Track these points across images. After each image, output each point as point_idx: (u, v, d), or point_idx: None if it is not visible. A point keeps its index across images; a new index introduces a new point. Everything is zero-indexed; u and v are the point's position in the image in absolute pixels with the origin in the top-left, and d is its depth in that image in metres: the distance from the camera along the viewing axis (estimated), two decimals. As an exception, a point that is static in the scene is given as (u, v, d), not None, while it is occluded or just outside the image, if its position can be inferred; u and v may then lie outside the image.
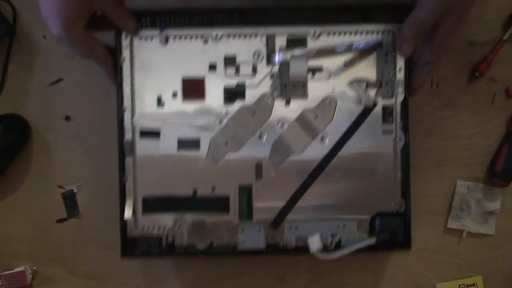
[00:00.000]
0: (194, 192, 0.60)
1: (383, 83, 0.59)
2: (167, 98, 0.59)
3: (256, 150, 0.59)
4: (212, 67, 0.59)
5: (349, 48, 0.57)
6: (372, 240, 0.58)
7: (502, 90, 0.66)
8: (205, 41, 0.59)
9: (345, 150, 0.59)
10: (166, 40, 0.59)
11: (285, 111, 0.59)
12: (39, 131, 0.67)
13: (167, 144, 0.59)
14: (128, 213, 0.59)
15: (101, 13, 0.56)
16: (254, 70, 0.59)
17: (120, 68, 0.59)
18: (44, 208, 0.67)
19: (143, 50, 0.59)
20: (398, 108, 0.59)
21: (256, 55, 0.59)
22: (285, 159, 0.59)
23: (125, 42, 0.59)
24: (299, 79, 0.58)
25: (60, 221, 0.67)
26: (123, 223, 0.59)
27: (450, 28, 0.54)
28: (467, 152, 0.66)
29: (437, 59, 0.57)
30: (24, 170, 0.67)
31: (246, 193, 0.60)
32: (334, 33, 0.59)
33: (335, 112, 0.59)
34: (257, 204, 0.59)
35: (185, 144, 0.59)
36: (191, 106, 0.59)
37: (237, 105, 0.59)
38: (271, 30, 0.59)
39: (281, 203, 0.59)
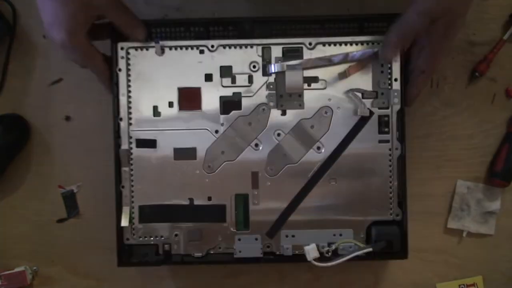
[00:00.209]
0: (191, 201, 0.60)
1: (379, 93, 0.59)
2: (163, 107, 0.59)
3: (252, 159, 0.59)
4: (208, 77, 0.59)
5: (345, 58, 0.58)
6: (368, 249, 0.58)
7: (502, 90, 0.66)
8: (201, 52, 0.59)
9: (342, 160, 0.59)
10: (162, 50, 0.59)
11: (281, 120, 0.59)
12: (39, 131, 0.67)
13: (164, 153, 0.59)
14: (124, 222, 0.59)
15: (99, 22, 0.56)
16: (250, 80, 0.59)
17: (116, 78, 0.59)
18: (44, 208, 0.67)
19: (139, 60, 0.59)
20: (394, 118, 0.59)
21: (252, 66, 0.59)
22: (281, 169, 0.60)
23: (121, 52, 0.59)
24: (295, 89, 0.59)
25: (60, 221, 0.67)
26: (120, 232, 0.59)
27: (442, 37, 0.54)
28: (467, 152, 0.66)
29: (430, 68, 0.58)
30: (24, 170, 0.67)
31: (242, 202, 0.60)
32: (330, 44, 0.59)
33: (331, 122, 0.59)
34: (253, 213, 0.60)
35: (181, 153, 0.59)
36: (187, 116, 0.59)
37: (233, 115, 0.59)
38: (266, 41, 0.59)
39: (277, 212, 0.60)
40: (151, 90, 0.59)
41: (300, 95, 0.59)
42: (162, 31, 0.60)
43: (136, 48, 0.59)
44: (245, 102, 0.59)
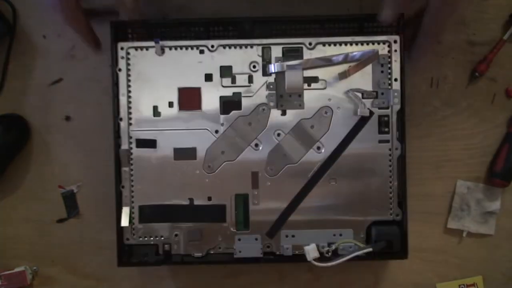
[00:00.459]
0: (191, 201, 0.60)
1: (379, 93, 0.59)
2: (163, 107, 0.59)
3: (252, 159, 0.59)
4: (208, 77, 0.59)
5: (345, 58, 0.58)
6: (368, 249, 0.58)
7: (502, 90, 0.66)
8: (201, 52, 0.59)
9: (342, 160, 0.59)
10: (162, 50, 0.59)
11: (281, 120, 0.59)
12: (39, 131, 0.67)
13: (164, 154, 0.59)
14: (124, 222, 0.59)
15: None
16: (250, 80, 0.59)
17: (116, 78, 0.59)
18: (44, 208, 0.67)
19: (139, 60, 0.59)
20: (394, 118, 0.59)
21: (252, 66, 0.59)
22: (281, 169, 0.60)
23: (121, 52, 0.59)
24: (295, 89, 0.59)
25: (60, 221, 0.67)
26: (120, 232, 0.59)
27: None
28: (467, 152, 0.66)
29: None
30: (24, 170, 0.67)
31: (242, 202, 0.60)
32: (330, 44, 0.59)
33: (331, 122, 0.59)
34: (253, 213, 0.60)
35: (181, 153, 0.59)
36: (187, 116, 0.60)
37: (233, 115, 0.59)
38: (267, 41, 0.59)
39: (277, 212, 0.60)
40: (151, 90, 0.59)
41: (300, 95, 0.59)
42: (162, 31, 0.60)
43: (136, 48, 0.59)
44: (245, 102, 0.59)
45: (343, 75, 0.59)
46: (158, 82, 0.59)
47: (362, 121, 0.59)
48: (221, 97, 0.59)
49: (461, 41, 0.66)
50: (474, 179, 0.66)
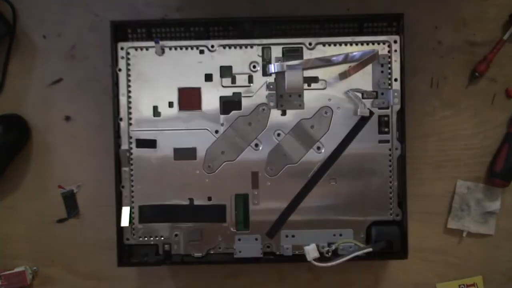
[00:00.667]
0: (191, 201, 0.60)
1: (379, 93, 0.59)
2: (163, 108, 0.60)
3: (252, 159, 0.59)
4: (208, 77, 0.59)
5: (345, 58, 0.58)
6: (368, 249, 0.58)
7: (502, 90, 0.66)
8: (201, 52, 0.59)
9: (342, 160, 0.59)
10: (162, 50, 0.59)
11: (281, 120, 0.60)
12: (39, 131, 0.67)
13: (164, 154, 0.60)
14: (124, 222, 0.59)
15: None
16: (250, 80, 0.59)
17: (116, 78, 0.59)
18: (44, 208, 0.67)
19: (139, 60, 0.59)
20: (394, 118, 0.59)
21: (252, 66, 0.59)
22: (281, 169, 0.60)
23: (121, 52, 0.59)
24: (295, 89, 0.59)
25: (60, 221, 0.67)
26: (120, 232, 0.59)
27: None
28: (467, 152, 0.66)
29: None
30: (24, 170, 0.67)
31: (242, 202, 0.60)
32: (330, 44, 0.59)
33: (331, 122, 0.59)
34: (253, 213, 0.60)
35: (181, 153, 0.60)
36: (187, 116, 0.60)
37: (233, 115, 0.59)
38: (267, 41, 0.59)
39: (277, 212, 0.60)
40: (151, 90, 0.59)
41: (300, 95, 0.59)
42: (162, 31, 0.60)
43: (136, 48, 0.59)
44: (245, 102, 0.59)
45: (343, 75, 0.59)
46: (158, 82, 0.59)
47: (362, 121, 0.59)
48: (221, 97, 0.59)
49: (461, 41, 0.66)
50: (474, 179, 0.66)
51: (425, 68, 0.66)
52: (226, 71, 0.59)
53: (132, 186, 0.59)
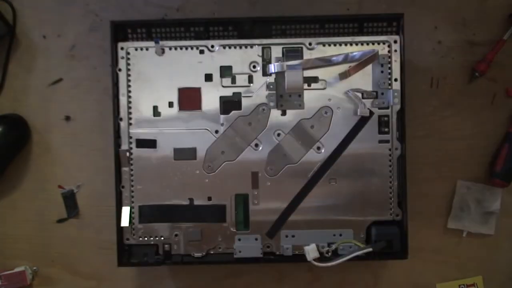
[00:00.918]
0: (191, 201, 0.60)
1: (379, 93, 0.59)
2: (163, 107, 0.60)
3: (252, 159, 0.59)
4: (208, 77, 0.59)
5: (345, 59, 0.58)
6: (368, 249, 0.58)
7: (502, 90, 0.66)
8: (201, 52, 0.59)
9: (342, 160, 0.59)
10: (162, 50, 0.59)
11: (281, 120, 0.60)
12: (39, 131, 0.67)
13: (164, 153, 0.59)
14: (124, 222, 0.59)
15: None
16: (250, 80, 0.59)
17: (116, 78, 0.59)
18: (44, 208, 0.67)
19: (139, 60, 0.59)
20: (394, 118, 0.59)
21: (252, 66, 0.59)
22: (281, 169, 0.60)
23: (121, 52, 0.59)
24: (295, 89, 0.59)
25: (60, 221, 0.67)
26: (120, 232, 0.59)
27: None
28: (467, 152, 0.66)
29: None
30: (24, 170, 0.67)
31: (242, 202, 0.60)
32: (330, 44, 0.59)
33: (331, 122, 0.59)
34: (253, 213, 0.60)
35: (181, 153, 0.59)
36: (187, 116, 0.60)
37: (233, 115, 0.59)
38: (266, 41, 0.59)
39: (277, 212, 0.60)
40: (151, 90, 0.59)
41: (300, 95, 0.59)
42: (162, 31, 0.60)
43: (136, 48, 0.59)
44: (245, 102, 0.59)
45: (343, 75, 0.59)
46: (158, 82, 0.59)
47: (362, 121, 0.59)
48: (221, 97, 0.59)
49: (461, 41, 0.66)
50: (474, 179, 0.66)
51: (425, 68, 0.66)
52: (226, 71, 0.59)
53: (132, 186, 0.59)
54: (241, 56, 0.59)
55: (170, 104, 0.60)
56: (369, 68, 0.59)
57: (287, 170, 0.60)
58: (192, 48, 0.59)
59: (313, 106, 0.59)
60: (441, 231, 0.67)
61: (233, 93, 0.60)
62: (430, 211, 0.66)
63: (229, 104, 0.60)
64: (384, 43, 0.59)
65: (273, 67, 0.58)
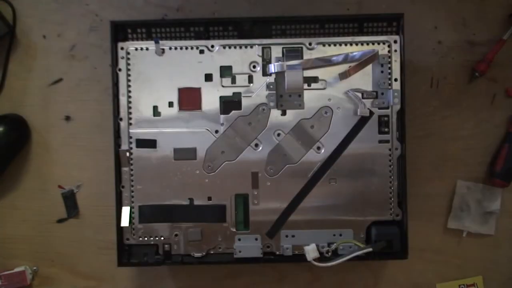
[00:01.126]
0: (191, 201, 0.60)
1: (379, 93, 0.59)
2: (163, 107, 0.60)
3: (252, 159, 0.59)
4: (208, 77, 0.59)
5: (345, 59, 0.58)
6: (368, 249, 0.58)
7: (502, 90, 0.66)
8: (201, 52, 0.59)
9: (342, 160, 0.59)
10: (162, 50, 0.59)
11: (281, 120, 0.59)
12: (39, 131, 0.67)
13: (164, 153, 0.59)
14: (124, 222, 0.59)
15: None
16: (250, 80, 0.59)
17: (116, 78, 0.59)
18: (44, 208, 0.67)
19: (139, 60, 0.59)
20: (394, 118, 0.59)
21: (252, 66, 0.59)
22: (281, 169, 0.60)
23: (121, 52, 0.59)
24: (295, 89, 0.59)
25: (60, 221, 0.67)
26: (120, 232, 0.59)
27: None
28: (467, 152, 0.66)
29: None
30: (24, 170, 0.67)
31: (242, 202, 0.60)
32: (330, 44, 0.59)
33: (331, 122, 0.59)
34: (253, 213, 0.60)
35: (181, 153, 0.59)
36: (187, 116, 0.60)
37: (233, 115, 0.59)
38: (266, 41, 0.59)
39: (277, 212, 0.60)
40: (151, 90, 0.59)
41: (300, 95, 0.59)
42: (162, 31, 0.60)
43: (136, 48, 0.59)
44: (245, 102, 0.59)
45: (343, 75, 0.59)
46: (158, 82, 0.59)
47: (362, 121, 0.59)
48: (221, 97, 0.59)
49: (461, 41, 0.66)
50: (474, 179, 0.66)
51: (425, 68, 0.66)
52: (226, 71, 0.59)
53: (132, 186, 0.59)
54: (241, 56, 0.59)
55: (170, 104, 0.60)
56: (369, 68, 0.59)
57: (287, 170, 0.60)
58: (192, 48, 0.59)
59: (313, 106, 0.59)
60: (441, 231, 0.67)
61: (233, 93, 0.60)
62: (430, 211, 0.66)
63: (229, 104, 0.60)
64: (384, 43, 0.59)
65: (273, 67, 0.58)
